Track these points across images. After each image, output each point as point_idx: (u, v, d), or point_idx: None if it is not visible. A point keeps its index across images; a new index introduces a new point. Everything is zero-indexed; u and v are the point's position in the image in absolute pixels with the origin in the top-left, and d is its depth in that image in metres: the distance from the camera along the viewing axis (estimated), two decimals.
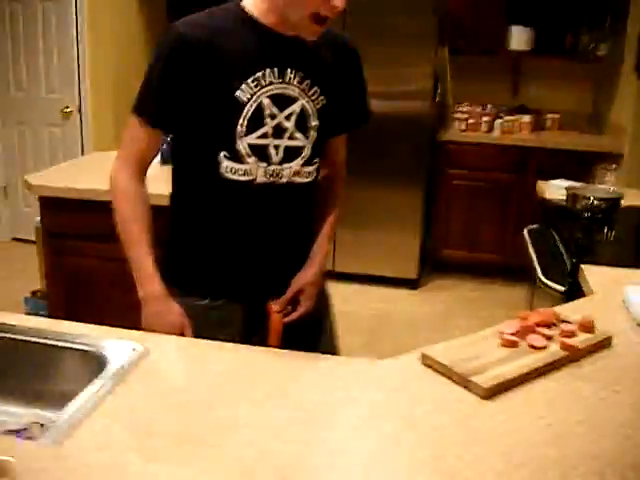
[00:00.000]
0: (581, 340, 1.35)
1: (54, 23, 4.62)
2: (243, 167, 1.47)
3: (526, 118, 4.55)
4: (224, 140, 1.45)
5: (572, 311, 1.52)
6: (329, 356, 1.40)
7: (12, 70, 4.82)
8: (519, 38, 4.47)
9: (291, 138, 1.50)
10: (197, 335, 1.47)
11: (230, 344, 1.37)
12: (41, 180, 2.80)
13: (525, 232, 2.48)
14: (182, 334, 1.47)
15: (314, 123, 1.51)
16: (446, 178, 4.43)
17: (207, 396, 1.17)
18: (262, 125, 1.46)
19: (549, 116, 4.68)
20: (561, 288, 1.95)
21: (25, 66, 4.78)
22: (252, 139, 1.46)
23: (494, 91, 4.76)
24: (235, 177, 1.47)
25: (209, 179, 1.49)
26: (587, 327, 1.39)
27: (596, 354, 1.35)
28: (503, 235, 4.36)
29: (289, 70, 1.46)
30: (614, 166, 2.72)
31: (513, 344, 1.32)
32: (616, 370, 1.30)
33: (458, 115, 4.54)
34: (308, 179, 1.56)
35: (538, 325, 1.38)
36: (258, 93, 1.44)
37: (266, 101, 1.45)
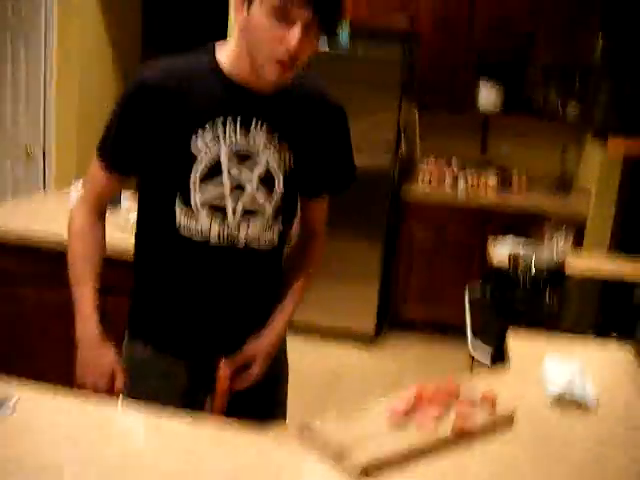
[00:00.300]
0: (477, 419, 1.25)
1: (23, 59, 4.60)
2: (197, 227, 1.39)
3: (492, 180, 4.50)
4: (179, 193, 1.37)
5: (484, 381, 1.43)
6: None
7: None
8: (488, 96, 4.45)
9: (251, 200, 1.39)
10: (139, 384, 1.47)
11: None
12: None
13: (466, 290, 2.40)
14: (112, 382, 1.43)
15: (278, 185, 1.41)
16: (408, 233, 4.36)
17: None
18: (218, 184, 1.37)
19: (515, 178, 4.63)
20: (488, 352, 1.86)
21: None
22: (205, 198, 1.37)
23: (462, 147, 4.72)
24: (190, 236, 1.40)
25: (166, 233, 1.42)
26: (489, 402, 1.29)
27: (493, 433, 1.25)
28: (464, 293, 4.26)
29: (254, 120, 1.36)
30: (564, 226, 2.66)
31: (400, 421, 1.22)
32: (508, 455, 1.20)
33: (423, 169, 4.50)
34: (268, 246, 1.46)
35: (433, 400, 1.27)
36: (215, 148, 1.35)
37: (224, 157, 1.35)
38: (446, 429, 1.21)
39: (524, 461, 1.19)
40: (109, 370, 1.43)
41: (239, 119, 1.35)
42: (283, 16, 1.22)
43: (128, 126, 1.38)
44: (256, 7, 1.24)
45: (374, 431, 1.18)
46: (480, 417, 1.26)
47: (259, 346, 1.50)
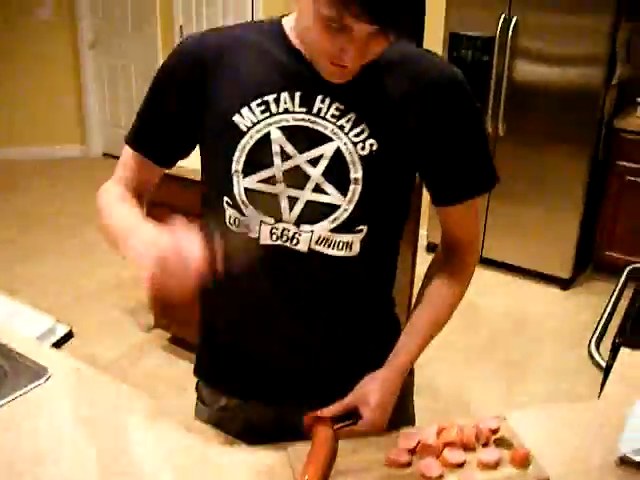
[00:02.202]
0: (494, 478, 1.06)
1: None
2: (242, 219, 1.12)
3: None
4: (223, 180, 1.12)
5: (541, 418, 1.21)
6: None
7: None
8: None
9: (317, 191, 1.09)
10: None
11: None
12: None
13: (626, 270, 2.02)
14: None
15: (355, 175, 1.08)
16: (619, 170, 3.80)
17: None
18: (267, 166, 1.09)
19: None
20: (602, 363, 1.57)
21: None
22: (251, 182, 1.10)
23: None
24: (238, 230, 1.13)
25: (220, 232, 1.14)
26: (519, 462, 1.08)
27: None
28: None
29: (319, 98, 1.08)
30: None
31: (399, 465, 1.07)
32: None
33: None
34: (346, 253, 1.12)
35: (449, 444, 1.10)
36: (264, 122, 1.09)
37: (276, 134, 1.08)
38: None
39: None
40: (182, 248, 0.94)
41: (299, 92, 1.08)
42: (339, 27, 0.94)
43: (162, 105, 1.19)
44: (307, 6, 0.97)
45: (366, 473, 1.05)
46: (500, 476, 1.06)
47: (370, 391, 1.15)
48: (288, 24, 1.13)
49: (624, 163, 3.76)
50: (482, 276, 4.06)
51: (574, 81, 3.59)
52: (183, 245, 0.92)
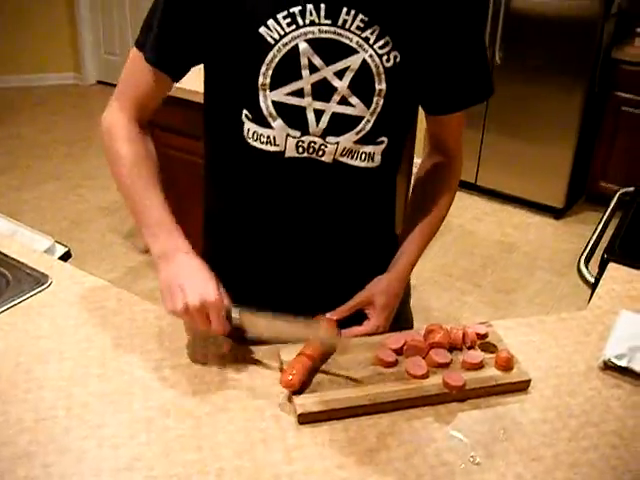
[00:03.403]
0: (477, 377, 1.11)
1: None
2: (267, 132, 1.12)
3: None
4: (245, 94, 1.11)
5: (527, 327, 1.26)
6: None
7: None
8: None
9: (343, 103, 1.10)
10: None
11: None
12: None
13: (616, 196, 2.05)
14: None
15: (379, 87, 1.10)
16: (615, 101, 3.79)
17: None
18: (295, 78, 1.08)
19: None
20: (590, 279, 1.60)
21: None
22: (279, 95, 1.09)
23: None
24: (259, 145, 1.14)
25: (234, 149, 1.16)
26: (503, 365, 1.13)
27: (496, 398, 1.10)
28: None
29: (345, 10, 1.05)
30: None
31: (387, 364, 1.12)
32: (496, 431, 1.05)
33: None
34: (368, 164, 1.16)
35: (435, 345, 1.15)
36: (292, 34, 1.06)
37: (303, 46, 1.06)
38: (435, 384, 1.09)
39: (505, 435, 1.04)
40: (220, 301, 1.06)
41: (324, 4, 1.05)
42: None
43: (179, 14, 1.11)
44: None
45: (353, 370, 1.10)
46: (486, 378, 1.11)
47: (378, 286, 1.21)
48: None
49: (621, 94, 3.74)
50: (477, 204, 4.10)
51: (572, 9, 3.54)
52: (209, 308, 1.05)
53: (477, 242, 3.71)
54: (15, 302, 1.27)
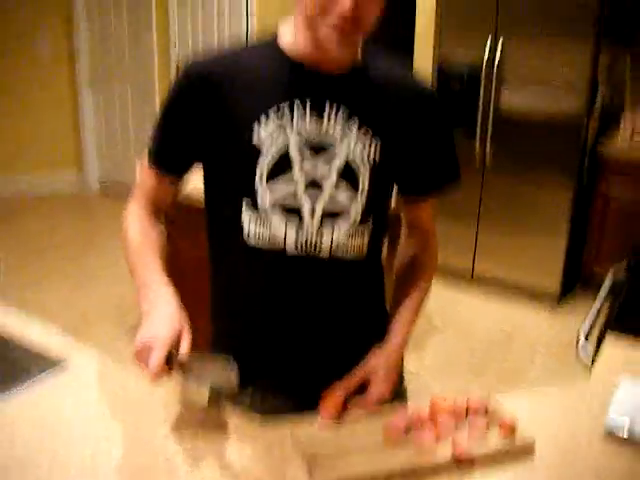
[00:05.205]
0: (485, 445, 1.14)
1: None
2: (269, 234, 1.21)
3: None
4: (245, 194, 1.21)
5: (529, 397, 1.29)
6: None
7: None
8: None
9: (331, 199, 1.21)
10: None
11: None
12: None
13: (611, 271, 2.11)
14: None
15: (364, 182, 1.21)
16: (604, 189, 3.94)
17: None
18: (290, 179, 1.19)
19: None
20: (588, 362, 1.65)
21: None
22: (276, 195, 1.19)
23: None
24: (261, 245, 1.23)
25: (235, 246, 1.25)
26: (506, 430, 1.16)
27: (502, 463, 1.13)
28: None
29: (327, 103, 1.18)
30: None
31: (398, 438, 1.14)
32: None
33: (629, 119, 3.96)
34: (358, 256, 1.27)
35: (440, 417, 1.18)
36: (283, 134, 1.17)
37: (294, 145, 1.18)
38: (447, 453, 1.12)
39: None
40: (180, 328, 1.09)
41: (308, 103, 1.17)
42: None
43: (175, 122, 1.24)
44: None
45: (363, 444, 1.13)
46: (492, 443, 1.14)
47: (377, 363, 1.29)
48: (285, 33, 1.23)
49: (608, 186, 3.91)
50: (473, 298, 4.13)
51: (557, 108, 3.72)
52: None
53: (472, 332, 3.74)
54: (27, 385, 1.28)
